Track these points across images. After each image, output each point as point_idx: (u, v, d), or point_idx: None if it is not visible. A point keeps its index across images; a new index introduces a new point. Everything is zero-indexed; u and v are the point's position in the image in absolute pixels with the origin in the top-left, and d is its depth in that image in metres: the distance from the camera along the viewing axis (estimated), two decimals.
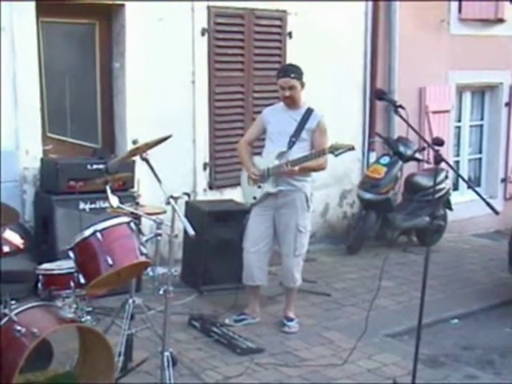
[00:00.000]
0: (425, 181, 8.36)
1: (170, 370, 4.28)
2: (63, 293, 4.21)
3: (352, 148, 5.43)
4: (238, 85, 7.60)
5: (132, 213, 4.57)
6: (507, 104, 10.45)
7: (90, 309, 4.36)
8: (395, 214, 8.32)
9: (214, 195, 7.46)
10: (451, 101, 9.71)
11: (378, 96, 4.57)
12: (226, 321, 5.77)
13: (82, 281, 4.04)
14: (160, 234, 4.41)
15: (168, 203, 4.18)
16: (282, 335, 5.63)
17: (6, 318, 3.89)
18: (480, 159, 10.69)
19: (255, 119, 6.18)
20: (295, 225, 5.60)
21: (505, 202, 10.48)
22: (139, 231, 4.34)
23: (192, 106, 7.25)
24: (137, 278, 5.40)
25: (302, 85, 5.58)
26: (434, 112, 9.39)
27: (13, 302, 4.01)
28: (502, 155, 10.55)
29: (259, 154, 5.85)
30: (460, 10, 9.55)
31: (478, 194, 4.15)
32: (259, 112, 6.03)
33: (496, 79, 10.28)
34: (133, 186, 6.03)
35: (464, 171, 10.32)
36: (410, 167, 8.64)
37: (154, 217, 4.50)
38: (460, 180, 9.57)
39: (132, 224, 4.23)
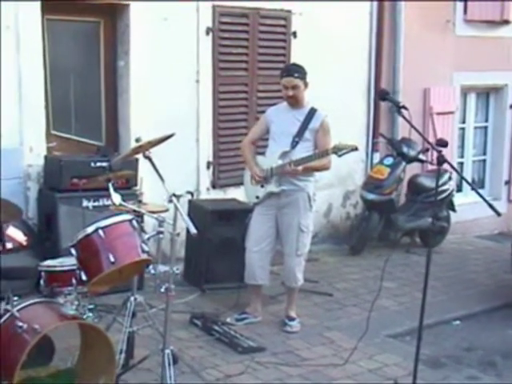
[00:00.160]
0: (428, 182, 8.35)
1: (171, 368, 4.28)
2: (65, 289, 4.21)
3: (355, 148, 5.43)
4: (242, 84, 7.61)
5: (134, 210, 4.58)
6: None
7: (91, 306, 4.36)
8: (398, 215, 8.32)
9: (217, 194, 7.47)
10: (456, 102, 9.70)
11: (382, 96, 4.57)
12: (228, 319, 5.78)
13: (84, 278, 4.05)
14: (162, 232, 4.42)
15: (170, 201, 4.19)
16: (283, 335, 5.64)
17: (8, 314, 3.91)
18: (484, 161, 10.68)
19: (259, 119, 6.19)
20: (297, 224, 5.61)
21: (509, 204, 10.46)
22: (141, 229, 4.35)
23: (196, 105, 7.25)
24: (139, 275, 5.40)
25: (306, 84, 5.58)
26: (439, 113, 9.38)
27: (15, 298, 4.02)
28: (506, 157, 10.53)
29: (263, 153, 5.85)
30: (465, 11, 9.53)
31: (480, 195, 4.14)
32: (263, 111, 6.04)
33: (501, 81, 10.27)
34: (136, 184, 6.05)
35: (468, 173, 10.32)
36: (413, 168, 8.63)
37: (156, 215, 4.51)
38: (464, 181, 9.55)
39: (134, 222, 4.23)
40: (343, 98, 8.23)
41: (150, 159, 4.31)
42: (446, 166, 4.14)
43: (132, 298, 4.78)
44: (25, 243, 6.04)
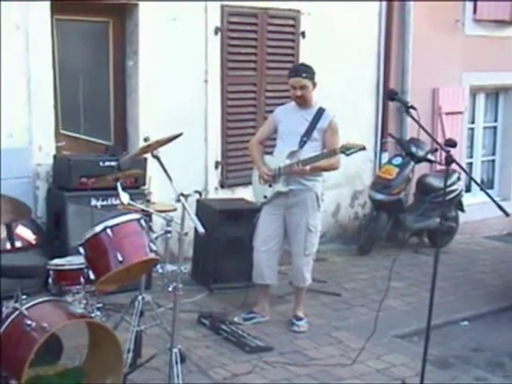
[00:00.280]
0: (437, 182, 8.33)
1: (179, 367, 4.29)
2: (73, 288, 4.23)
3: (363, 148, 5.43)
4: (251, 84, 7.62)
5: (143, 210, 4.59)
6: None
7: (99, 305, 4.38)
8: (407, 215, 8.31)
9: (226, 194, 7.48)
10: (465, 102, 9.67)
11: (390, 96, 4.56)
12: (236, 319, 5.78)
13: (92, 277, 4.07)
14: (170, 232, 4.43)
15: (178, 201, 4.20)
16: (290, 334, 5.64)
17: (17, 313, 3.93)
18: (493, 161, 10.66)
19: (267, 118, 6.19)
20: (305, 224, 5.61)
21: None
22: (149, 228, 4.36)
23: (204, 104, 7.27)
24: (147, 275, 5.42)
25: (314, 85, 5.58)
26: (447, 113, 9.36)
27: (24, 296, 4.04)
28: None
29: (271, 153, 5.85)
30: (475, 11, 9.50)
31: (489, 195, 4.14)
32: (271, 111, 6.04)
33: (510, 81, 10.23)
34: (144, 184, 6.06)
35: (477, 173, 10.29)
36: (422, 168, 8.62)
37: (164, 214, 4.52)
38: (472, 182, 9.53)
39: (142, 221, 4.24)
40: (352, 97, 8.22)
41: (158, 159, 4.33)
42: (454, 166, 4.14)
43: (140, 297, 4.79)
44: (34, 242, 6.07)
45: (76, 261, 4.25)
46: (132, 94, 6.94)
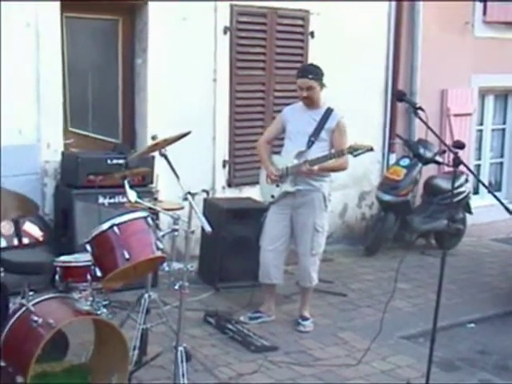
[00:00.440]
0: (444, 184, 8.31)
1: (184, 366, 4.30)
2: (80, 285, 4.24)
3: (371, 149, 5.44)
4: (259, 83, 7.62)
5: (150, 208, 4.59)
6: None
7: (106, 302, 4.38)
8: (414, 217, 8.29)
9: (233, 193, 7.48)
10: (473, 104, 9.66)
11: (398, 97, 4.56)
12: (241, 318, 5.79)
13: (99, 274, 4.07)
14: (177, 230, 4.43)
15: (185, 199, 4.21)
16: (296, 334, 5.64)
17: (24, 309, 3.95)
18: (501, 163, 10.63)
19: (275, 118, 6.19)
20: (312, 224, 5.61)
21: None
22: (156, 226, 4.36)
23: (213, 103, 7.27)
24: (153, 273, 5.43)
25: (322, 86, 5.57)
26: (456, 115, 9.34)
27: (30, 292, 4.06)
28: None
29: (279, 152, 5.85)
30: (485, 13, 9.48)
31: (496, 197, 4.13)
32: (280, 111, 6.04)
33: None
34: (152, 182, 6.07)
35: (485, 175, 10.27)
36: (429, 170, 8.60)
37: (171, 212, 4.53)
38: (480, 184, 9.50)
39: (149, 219, 4.25)
40: (360, 98, 8.21)
41: (166, 157, 4.33)
42: (462, 168, 4.13)
43: (146, 295, 4.79)
44: (41, 239, 6.09)
45: (83, 258, 4.26)
46: (140, 92, 6.95)
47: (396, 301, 5.97)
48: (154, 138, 4.47)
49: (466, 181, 8.44)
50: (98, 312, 4.17)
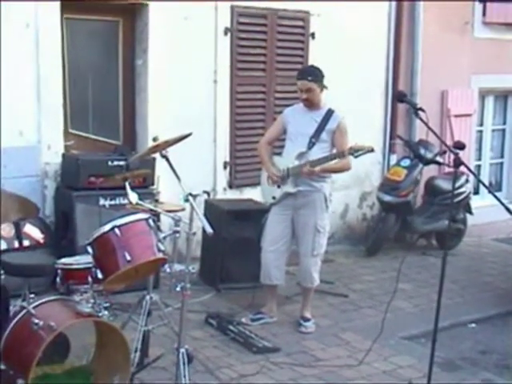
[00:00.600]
0: (445, 184, 8.31)
1: (186, 367, 4.30)
2: (81, 287, 4.24)
3: (371, 150, 5.44)
4: (260, 85, 7.62)
5: (151, 209, 4.59)
6: None
7: (107, 304, 4.37)
8: (415, 217, 8.29)
9: (234, 194, 7.48)
10: (473, 105, 9.65)
11: (399, 98, 4.57)
12: (243, 319, 5.78)
13: (100, 276, 4.07)
14: (178, 231, 4.43)
15: (186, 200, 4.20)
16: (298, 335, 5.64)
17: (24, 311, 3.95)
18: (501, 164, 10.63)
19: (276, 119, 6.19)
20: (314, 225, 5.61)
21: None
22: (157, 228, 4.36)
23: (213, 104, 7.27)
24: (155, 274, 5.43)
25: (322, 87, 5.57)
26: (456, 116, 9.34)
27: (31, 295, 4.06)
28: None
29: (280, 153, 5.85)
30: (484, 13, 9.47)
31: (497, 197, 4.13)
32: (280, 112, 6.04)
33: None
34: (153, 183, 6.07)
35: (485, 175, 10.26)
36: (430, 170, 8.60)
37: (172, 214, 4.53)
38: (481, 184, 9.50)
39: (150, 221, 4.25)
40: (361, 99, 8.21)
41: (167, 158, 4.33)
42: (462, 168, 4.13)
43: (147, 297, 4.79)
44: (41, 241, 6.09)
45: (84, 260, 4.26)
46: (141, 93, 6.95)
47: (397, 301, 5.96)
48: (155, 139, 4.48)
49: (467, 181, 8.44)
50: (100, 314, 4.17)
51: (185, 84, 6.97)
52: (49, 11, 6.17)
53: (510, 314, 6.58)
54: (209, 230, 4.07)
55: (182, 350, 4.31)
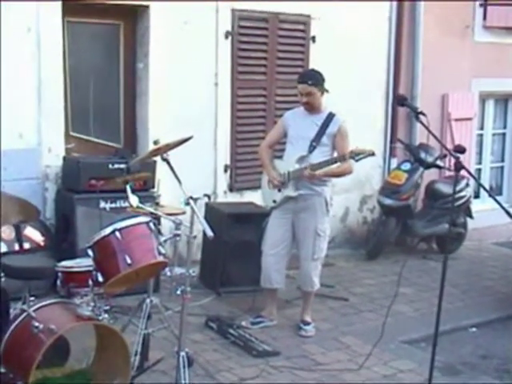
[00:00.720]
0: (446, 188, 8.31)
1: (186, 370, 4.30)
2: (82, 290, 4.25)
3: (372, 154, 5.44)
4: (261, 88, 7.62)
5: (152, 213, 4.59)
6: None
7: (107, 307, 4.38)
8: (415, 221, 8.29)
9: (235, 197, 7.48)
10: (474, 108, 9.65)
11: (400, 102, 4.57)
12: (243, 323, 5.78)
13: (100, 279, 4.07)
14: (179, 235, 4.44)
15: (187, 204, 4.21)
16: (298, 339, 5.64)
17: (25, 314, 3.94)
18: (502, 167, 10.62)
19: (277, 123, 6.19)
20: (314, 229, 5.60)
21: None
22: (158, 231, 4.37)
23: (214, 108, 7.27)
24: (155, 278, 5.43)
25: (322, 91, 5.57)
26: (457, 119, 9.34)
27: (32, 298, 4.06)
28: None
29: (281, 157, 5.85)
30: (485, 17, 9.48)
31: (497, 201, 4.13)
32: (281, 115, 6.05)
33: None
34: (153, 186, 6.05)
35: (486, 179, 10.25)
36: (430, 174, 8.60)
37: (173, 217, 4.53)
38: (481, 188, 9.48)
39: (151, 224, 4.25)
40: (361, 102, 8.21)
41: (167, 161, 4.34)
42: (463, 172, 4.13)
43: (148, 300, 4.79)
44: (42, 243, 6.09)
45: (84, 263, 4.26)
46: (142, 97, 6.95)
47: (398, 305, 5.96)
48: (155, 142, 4.47)
49: (467, 185, 8.44)
50: (100, 317, 4.17)
51: (186, 87, 6.98)
52: (50, 14, 6.17)
53: (511, 318, 6.58)
54: (209, 233, 4.07)
55: (182, 354, 4.31)
